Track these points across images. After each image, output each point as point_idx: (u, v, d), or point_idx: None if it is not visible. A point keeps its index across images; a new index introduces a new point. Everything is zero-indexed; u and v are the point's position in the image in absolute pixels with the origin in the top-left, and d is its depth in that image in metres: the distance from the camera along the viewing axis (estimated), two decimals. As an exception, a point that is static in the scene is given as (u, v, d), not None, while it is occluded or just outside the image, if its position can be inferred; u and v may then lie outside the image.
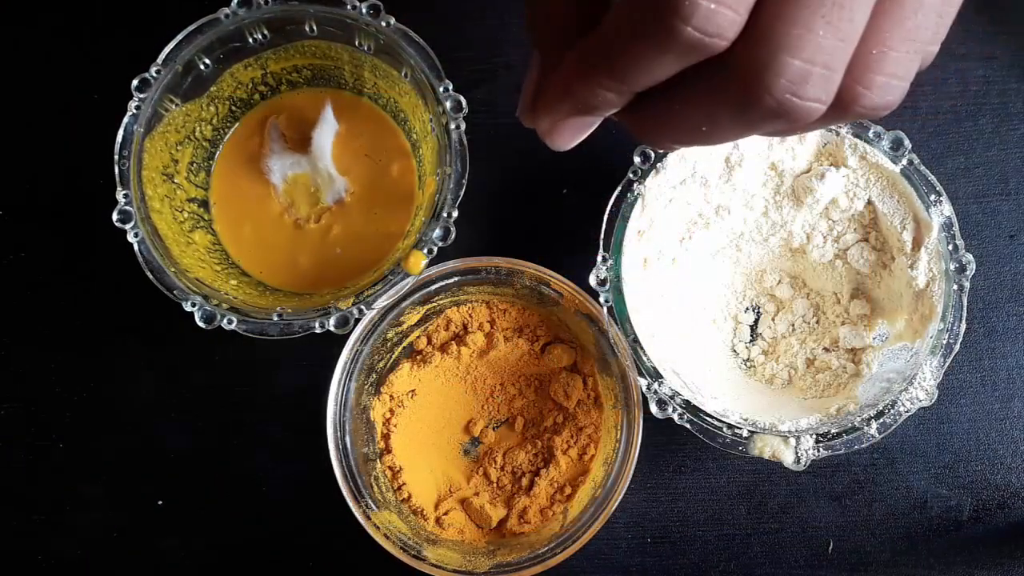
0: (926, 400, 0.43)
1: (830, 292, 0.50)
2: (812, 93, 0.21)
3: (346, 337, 0.46)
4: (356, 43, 0.47)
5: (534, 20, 0.27)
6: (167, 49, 0.45)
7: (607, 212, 0.45)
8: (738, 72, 0.22)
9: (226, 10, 0.45)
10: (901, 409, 0.43)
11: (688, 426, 0.43)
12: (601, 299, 0.44)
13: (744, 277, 0.51)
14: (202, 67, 0.46)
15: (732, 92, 0.22)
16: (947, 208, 0.45)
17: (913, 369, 0.44)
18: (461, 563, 0.45)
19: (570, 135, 0.28)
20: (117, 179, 0.44)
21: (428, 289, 0.47)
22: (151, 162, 0.46)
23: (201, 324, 0.43)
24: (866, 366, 0.47)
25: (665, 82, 0.23)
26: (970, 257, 0.44)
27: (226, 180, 0.50)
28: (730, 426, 0.44)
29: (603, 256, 0.45)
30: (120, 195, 0.44)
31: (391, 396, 0.50)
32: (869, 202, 0.47)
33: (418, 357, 0.50)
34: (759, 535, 0.50)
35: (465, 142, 0.44)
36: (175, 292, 0.43)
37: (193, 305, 0.43)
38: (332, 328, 0.43)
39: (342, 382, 0.47)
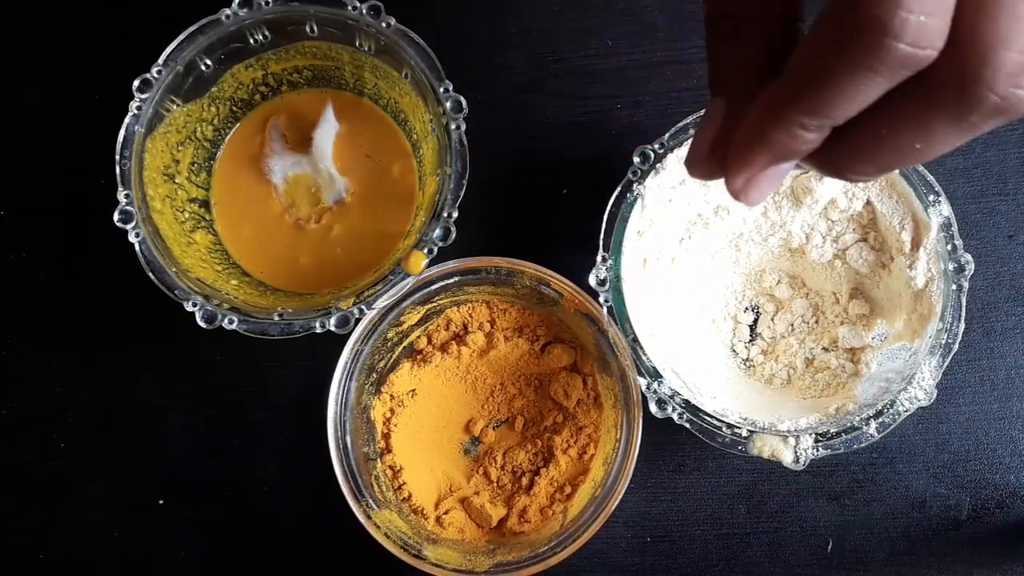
0: (925, 400, 0.43)
1: (829, 292, 0.50)
2: None
3: (346, 337, 0.46)
4: (357, 44, 0.47)
5: (720, 62, 0.26)
6: (168, 49, 0.45)
7: (607, 212, 0.45)
8: (953, 77, 0.21)
9: (227, 11, 0.45)
10: (900, 409, 0.44)
11: (688, 426, 0.43)
12: (601, 299, 0.44)
13: (743, 277, 0.51)
14: (203, 68, 0.46)
15: (949, 99, 0.22)
16: (946, 208, 0.45)
17: (912, 369, 0.44)
18: (461, 562, 0.45)
19: (766, 187, 0.26)
20: (118, 179, 0.44)
21: (428, 289, 0.47)
22: (152, 162, 0.46)
23: (202, 324, 0.43)
24: (865, 366, 0.47)
25: (861, 113, 0.23)
26: (969, 257, 0.45)
27: (227, 180, 0.50)
28: (729, 426, 0.44)
29: (603, 256, 0.45)
30: (121, 195, 0.44)
31: (391, 396, 0.50)
32: (868, 202, 0.48)
33: (418, 357, 0.50)
34: (758, 534, 0.50)
35: (465, 142, 0.44)
36: (176, 292, 0.43)
37: (194, 305, 0.43)
38: (333, 328, 0.43)
39: (342, 382, 0.47)
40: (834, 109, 0.23)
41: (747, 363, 0.50)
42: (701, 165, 0.28)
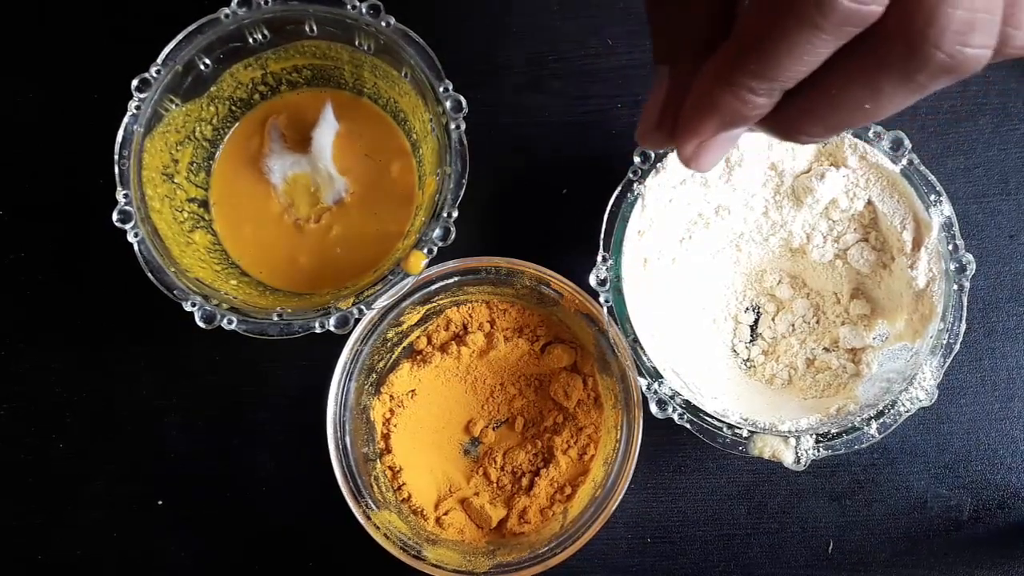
0: (926, 400, 0.43)
1: (830, 292, 0.50)
2: (979, 40, 0.21)
3: (346, 337, 0.46)
4: (356, 43, 0.47)
5: (664, 29, 0.26)
6: (167, 49, 0.45)
7: (607, 212, 0.45)
8: (900, 36, 0.21)
9: (226, 10, 0.45)
10: (901, 409, 0.43)
11: (688, 426, 0.43)
12: (601, 299, 0.44)
13: (744, 277, 0.51)
14: (202, 67, 0.46)
15: (896, 58, 0.21)
16: (947, 208, 0.45)
17: (913, 369, 0.44)
18: (461, 563, 0.45)
19: (717, 153, 0.26)
20: (117, 179, 0.44)
21: (428, 289, 0.47)
22: (151, 162, 0.46)
23: (201, 324, 0.43)
24: (866, 366, 0.47)
25: (811, 74, 0.23)
26: (970, 257, 0.44)
27: (226, 180, 0.50)
28: (730, 426, 0.43)
29: (603, 256, 0.45)
30: (120, 195, 0.44)
31: (391, 396, 0.50)
32: (869, 202, 0.47)
33: (418, 357, 0.50)
34: (759, 535, 0.50)
35: (465, 142, 0.44)
36: (175, 292, 0.43)
37: (193, 305, 0.43)
38: (332, 328, 0.43)
39: (342, 382, 0.47)
40: (783, 71, 0.22)
41: (748, 363, 0.50)
42: (650, 135, 0.28)
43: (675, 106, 0.26)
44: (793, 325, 0.50)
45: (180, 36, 0.45)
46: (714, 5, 0.25)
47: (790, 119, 0.25)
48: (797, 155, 0.47)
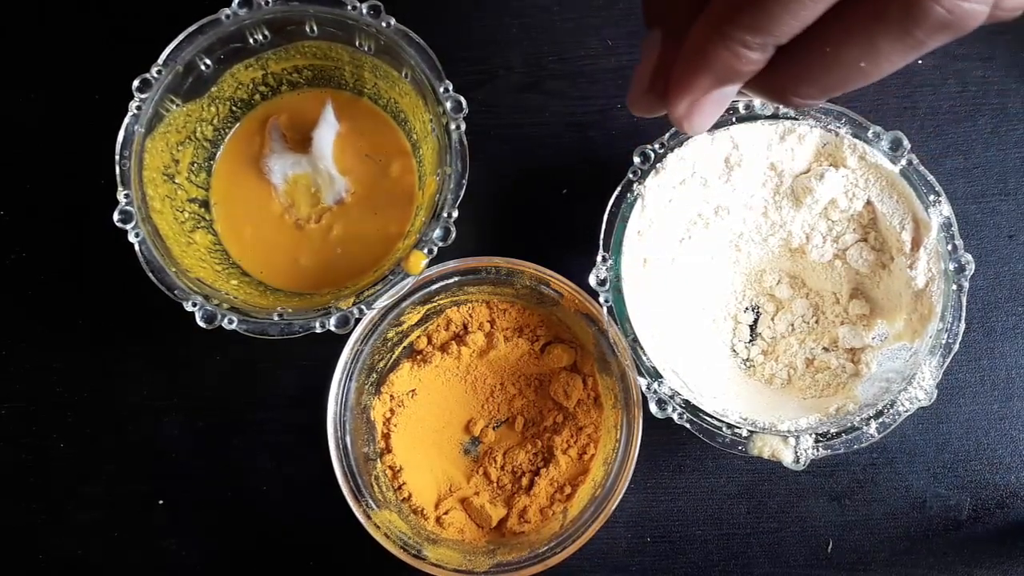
0: (925, 400, 0.43)
1: (829, 292, 0.50)
2: None
3: (346, 337, 0.46)
4: (356, 43, 0.47)
5: None
6: (168, 49, 0.45)
7: (607, 212, 0.45)
8: None
9: (227, 10, 0.45)
10: (900, 409, 0.44)
11: (688, 426, 0.43)
12: (601, 299, 0.44)
13: (744, 277, 0.51)
14: (203, 67, 0.46)
15: (893, 13, 0.21)
16: (946, 208, 0.45)
17: (912, 369, 0.44)
18: (461, 562, 0.45)
19: (711, 112, 0.26)
20: (118, 179, 0.44)
21: (428, 289, 0.47)
22: (152, 162, 0.46)
23: (202, 324, 0.43)
24: (865, 366, 0.47)
25: (805, 31, 0.23)
26: (969, 257, 0.44)
27: (227, 180, 0.50)
28: (730, 426, 0.44)
29: (603, 256, 0.45)
30: (121, 195, 0.44)
31: (391, 396, 0.50)
32: (868, 202, 0.47)
33: (418, 357, 0.50)
34: (758, 535, 0.50)
35: (465, 142, 0.44)
36: (176, 292, 0.43)
37: (194, 305, 0.43)
38: (332, 328, 0.43)
39: (342, 382, 0.47)
40: (778, 25, 0.22)
41: (747, 363, 0.50)
42: (641, 100, 0.28)
43: (667, 69, 0.26)
44: (792, 325, 0.50)
45: (181, 36, 0.45)
46: None
47: (784, 79, 0.24)
48: (796, 155, 0.47)
